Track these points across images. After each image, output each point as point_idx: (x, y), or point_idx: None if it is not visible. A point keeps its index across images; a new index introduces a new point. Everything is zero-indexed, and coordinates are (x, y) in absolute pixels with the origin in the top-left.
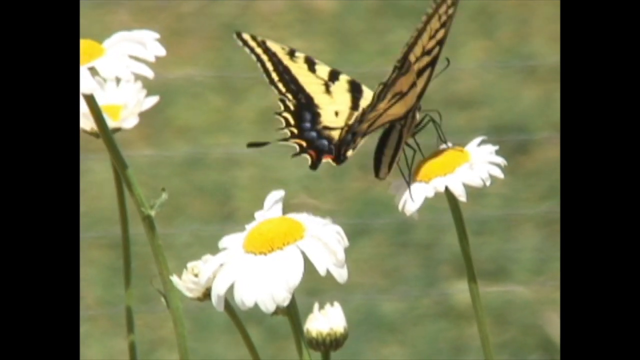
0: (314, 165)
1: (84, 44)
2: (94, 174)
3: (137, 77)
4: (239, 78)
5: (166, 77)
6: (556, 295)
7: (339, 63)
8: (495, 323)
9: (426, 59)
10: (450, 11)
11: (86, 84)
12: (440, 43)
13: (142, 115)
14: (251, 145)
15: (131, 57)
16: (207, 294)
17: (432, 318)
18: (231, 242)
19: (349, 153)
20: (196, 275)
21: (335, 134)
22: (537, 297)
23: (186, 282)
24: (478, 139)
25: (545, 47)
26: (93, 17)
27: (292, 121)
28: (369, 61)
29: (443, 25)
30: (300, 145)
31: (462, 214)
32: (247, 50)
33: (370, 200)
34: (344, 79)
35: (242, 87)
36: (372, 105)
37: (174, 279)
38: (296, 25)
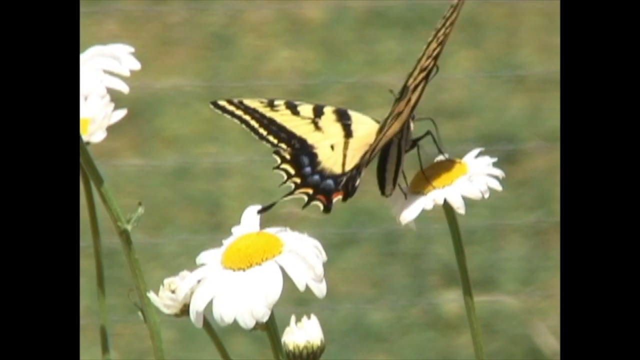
0: (327, 209)
1: None
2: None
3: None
4: (227, 88)
5: (154, 87)
6: (544, 305)
7: (328, 73)
8: (483, 333)
9: (421, 75)
10: (448, 30)
11: None
12: (436, 58)
13: (131, 124)
14: (262, 210)
15: (106, 71)
16: (184, 310)
17: (420, 327)
18: (209, 257)
19: (357, 184)
20: (173, 292)
21: (337, 169)
22: (525, 307)
23: (163, 299)
24: (475, 151)
25: (534, 57)
26: (81, 27)
27: (292, 171)
28: (358, 71)
29: (440, 43)
30: (307, 194)
31: (459, 226)
32: (228, 116)
33: (358, 210)
34: (328, 110)
35: (230, 96)
36: (377, 141)
37: (151, 295)
38: (285, 35)
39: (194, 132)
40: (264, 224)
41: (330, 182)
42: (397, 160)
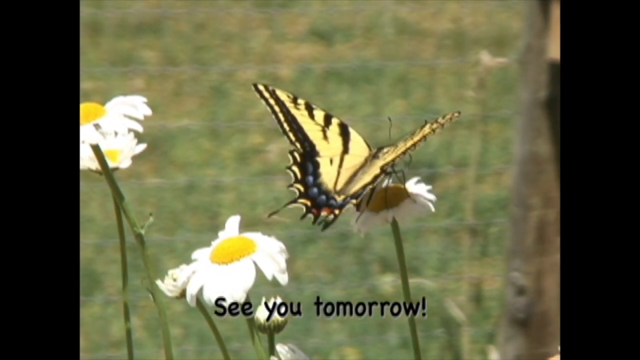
0: (316, 221)
1: (90, 107)
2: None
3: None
4: (223, 127)
5: (170, 126)
6: (454, 286)
7: None
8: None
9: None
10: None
11: (92, 136)
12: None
13: (152, 154)
14: (271, 214)
15: (126, 116)
16: (183, 294)
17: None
18: (200, 255)
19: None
20: (175, 280)
21: (331, 185)
22: (440, 288)
23: (167, 285)
24: (414, 179)
25: (448, 105)
26: (115, 83)
27: (299, 175)
28: None
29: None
30: (306, 206)
31: (400, 232)
32: (263, 102)
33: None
34: (335, 122)
35: (225, 134)
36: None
37: (158, 282)
38: None
39: (198, 159)
40: (246, 226)
41: (323, 197)
42: (375, 185)
